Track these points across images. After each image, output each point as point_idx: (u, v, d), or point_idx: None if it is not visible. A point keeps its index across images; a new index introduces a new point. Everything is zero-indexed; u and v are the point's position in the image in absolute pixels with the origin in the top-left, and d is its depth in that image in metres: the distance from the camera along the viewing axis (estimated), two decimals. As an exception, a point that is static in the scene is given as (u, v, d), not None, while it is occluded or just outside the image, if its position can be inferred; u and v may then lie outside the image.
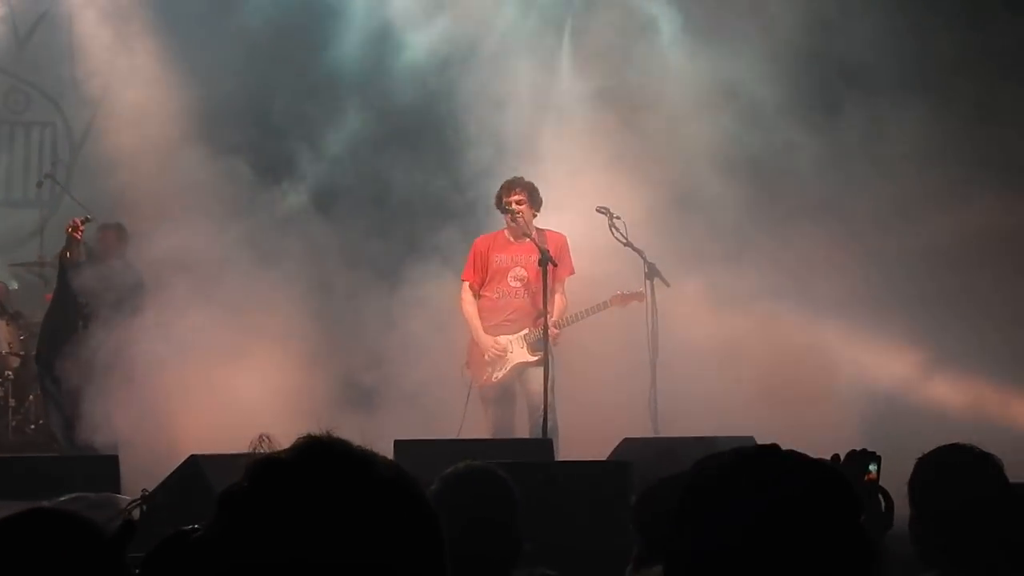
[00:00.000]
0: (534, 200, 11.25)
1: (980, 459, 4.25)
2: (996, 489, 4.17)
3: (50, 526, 2.73)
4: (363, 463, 1.89)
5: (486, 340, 11.39)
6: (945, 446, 4.29)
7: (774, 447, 2.30)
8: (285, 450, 1.91)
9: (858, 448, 4.01)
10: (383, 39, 12.97)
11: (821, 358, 11.64)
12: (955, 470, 4.22)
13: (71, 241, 11.33)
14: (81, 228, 11.24)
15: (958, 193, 11.85)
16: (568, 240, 11.37)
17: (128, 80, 12.42)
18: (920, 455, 4.31)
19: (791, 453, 2.27)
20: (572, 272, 11.42)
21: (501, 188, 11.32)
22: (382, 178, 13.07)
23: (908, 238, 12.01)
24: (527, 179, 11.31)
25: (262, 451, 1.95)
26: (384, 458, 1.92)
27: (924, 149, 11.99)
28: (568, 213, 11.66)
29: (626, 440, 9.46)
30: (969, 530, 4.08)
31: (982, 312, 11.76)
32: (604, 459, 9.08)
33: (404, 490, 1.90)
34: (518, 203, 11.20)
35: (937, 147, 11.97)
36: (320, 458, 1.89)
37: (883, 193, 12.21)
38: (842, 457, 3.90)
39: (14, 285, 12.39)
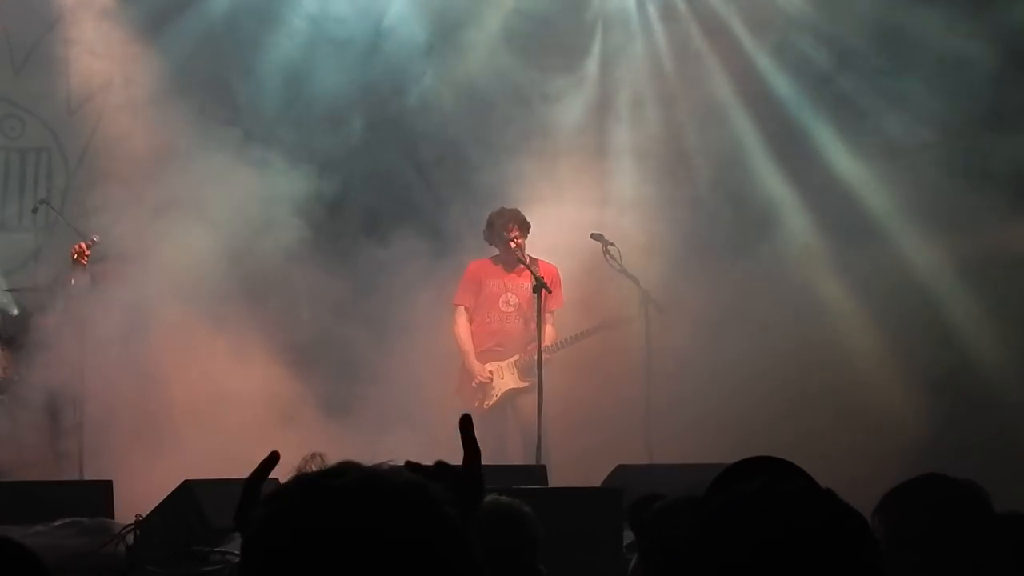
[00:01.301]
0: (525, 229, 11.28)
1: (959, 489, 4.22)
2: (976, 520, 4.14)
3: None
4: (414, 506, 1.91)
5: (476, 367, 11.41)
6: (921, 477, 4.24)
7: (796, 478, 2.31)
8: (343, 478, 1.92)
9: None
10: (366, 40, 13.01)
11: (819, 383, 11.60)
12: (933, 501, 4.17)
13: (76, 266, 11.31)
14: (87, 253, 11.22)
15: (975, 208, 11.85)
16: (560, 272, 11.44)
17: (124, 105, 12.45)
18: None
19: (811, 487, 2.28)
20: (561, 305, 11.46)
21: (494, 221, 11.32)
22: (368, 190, 13.05)
23: (913, 255, 11.98)
24: (512, 207, 11.37)
25: (312, 469, 1.96)
26: (435, 503, 1.93)
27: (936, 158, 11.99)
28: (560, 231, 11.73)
29: (620, 467, 9.46)
30: (949, 565, 4.06)
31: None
32: (598, 486, 9.08)
33: (450, 521, 1.92)
34: (517, 238, 11.23)
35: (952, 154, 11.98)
36: (375, 489, 1.90)
37: (889, 206, 12.17)
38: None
39: (14, 311, 12.38)
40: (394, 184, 13.02)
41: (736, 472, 2.71)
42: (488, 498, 4.69)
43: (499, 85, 12.78)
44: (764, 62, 12.76)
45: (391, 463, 1.97)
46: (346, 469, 1.92)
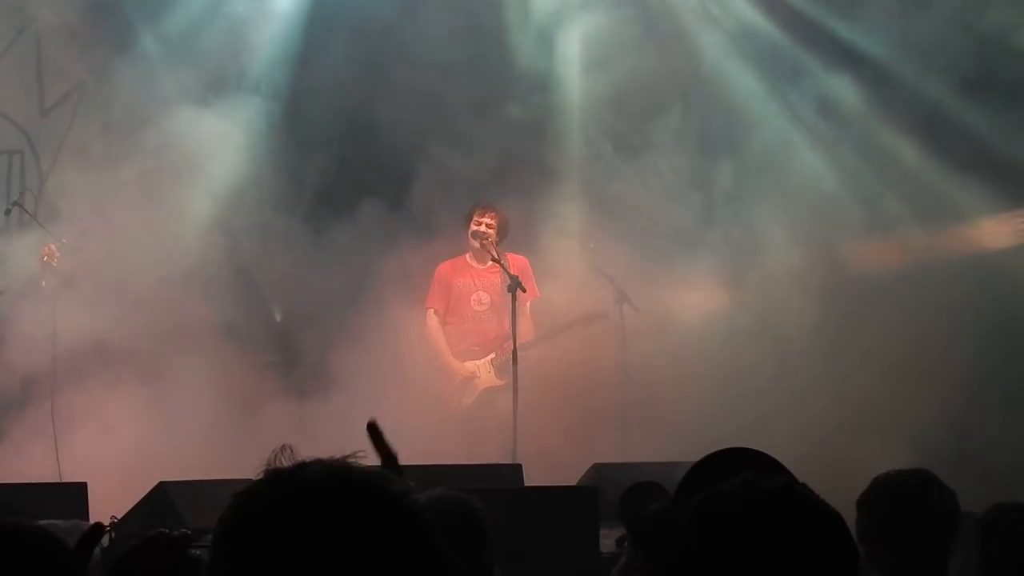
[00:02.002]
0: (502, 228, 11.29)
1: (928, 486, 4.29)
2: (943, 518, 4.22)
3: (14, 539, 2.73)
4: (383, 497, 1.92)
5: (454, 366, 11.42)
6: (890, 477, 4.32)
7: (785, 486, 2.32)
8: (309, 471, 1.92)
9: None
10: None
11: (789, 378, 11.57)
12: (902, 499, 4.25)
13: (46, 268, 11.29)
14: (56, 255, 11.20)
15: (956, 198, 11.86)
16: (529, 263, 11.44)
17: (96, 106, 12.43)
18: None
19: (798, 493, 2.30)
20: (536, 296, 11.46)
21: (472, 208, 11.36)
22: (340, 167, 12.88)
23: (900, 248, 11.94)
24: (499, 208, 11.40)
25: (283, 463, 1.96)
26: (401, 491, 1.94)
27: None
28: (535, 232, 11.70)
29: (595, 465, 9.48)
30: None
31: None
32: (574, 484, 9.10)
33: (417, 515, 1.93)
34: (488, 225, 11.23)
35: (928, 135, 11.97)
36: (345, 488, 1.91)
37: (874, 201, 12.12)
38: None
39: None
40: (365, 163, 12.82)
41: (712, 464, 2.73)
42: (437, 492, 4.70)
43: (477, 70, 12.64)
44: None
45: (359, 456, 1.98)
46: (314, 464, 1.93)
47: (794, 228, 12.12)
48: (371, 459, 2.00)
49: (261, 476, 1.93)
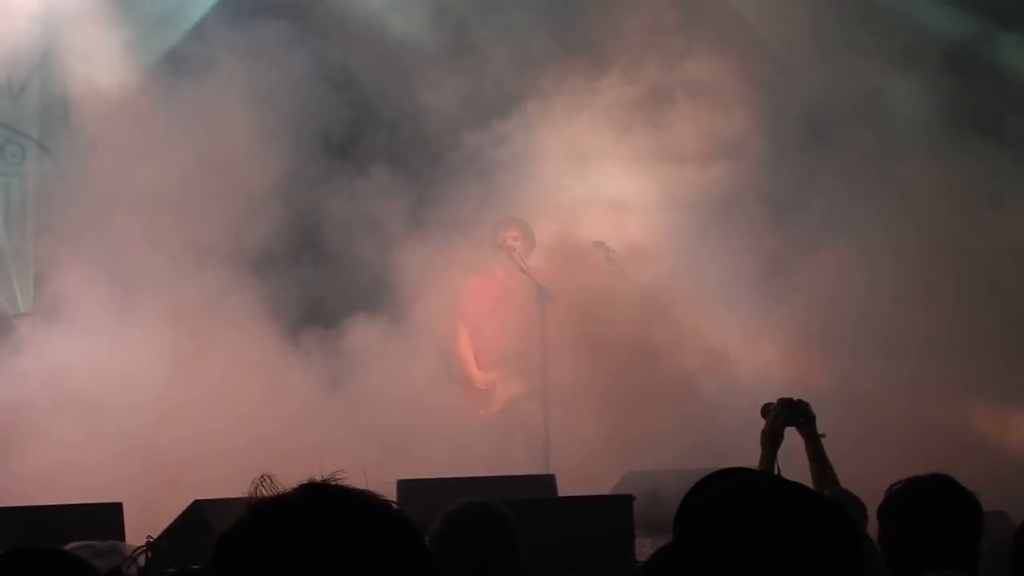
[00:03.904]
0: (527, 237, 11.33)
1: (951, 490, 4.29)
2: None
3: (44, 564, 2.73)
4: (364, 506, 1.91)
5: (477, 374, 11.45)
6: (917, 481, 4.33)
7: (777, 479, 2.32)
8: (287, 492, 1.92)
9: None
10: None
11: (823, 385, 11.48)
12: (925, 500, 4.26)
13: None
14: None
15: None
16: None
17: (121, 127, 12.49)
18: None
19: (792, 485, 2.29)
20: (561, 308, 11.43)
21: (496, 227, 11.39)
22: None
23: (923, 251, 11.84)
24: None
25: (263, 492, 1.96)
26: (384, 500, 1.94)
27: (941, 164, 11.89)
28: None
29: (629, 474, 9.47)
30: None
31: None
32: (606, 493, 9.09)
33: (405, 532, 1.92)
34: (513, 239, 11.29)
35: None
36: (322, 501, 1.90)
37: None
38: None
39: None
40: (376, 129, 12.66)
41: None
42: (463, 501, 4.72)
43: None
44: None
45: (340, 476, 1.97)
46: (296, 491, 1.92)
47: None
48: (352, 480, 1.99)
49: (244, 512, 1.92)
